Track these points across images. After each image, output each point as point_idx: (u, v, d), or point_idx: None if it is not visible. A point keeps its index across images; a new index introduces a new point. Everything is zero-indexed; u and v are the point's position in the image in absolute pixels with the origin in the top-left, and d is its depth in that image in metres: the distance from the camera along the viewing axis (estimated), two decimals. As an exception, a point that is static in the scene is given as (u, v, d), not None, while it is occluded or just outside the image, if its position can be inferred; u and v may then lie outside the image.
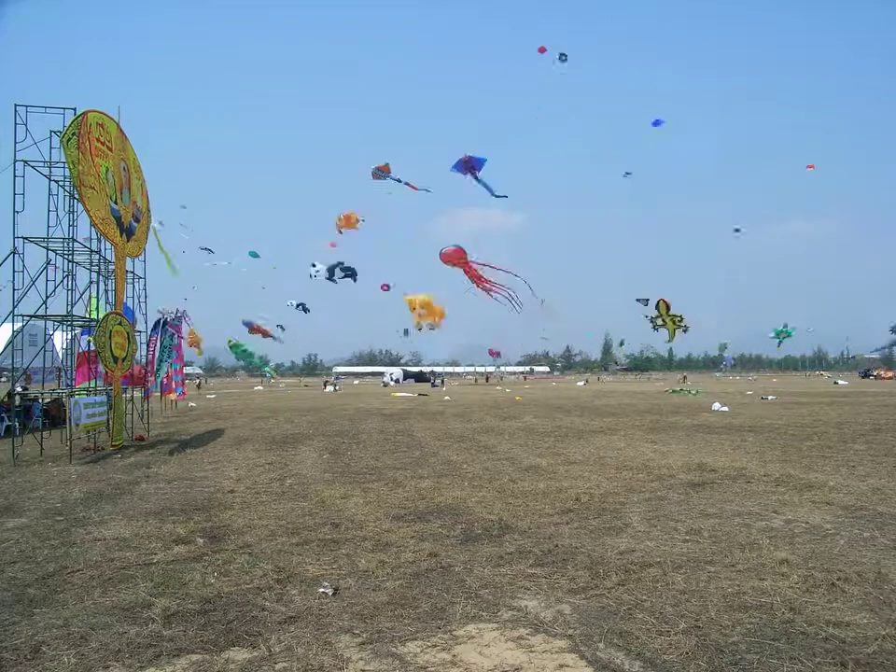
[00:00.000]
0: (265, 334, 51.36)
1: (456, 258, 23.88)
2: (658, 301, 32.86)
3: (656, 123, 28.51)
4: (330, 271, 37.69)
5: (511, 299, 24.17)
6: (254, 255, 42.24)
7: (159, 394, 31.11)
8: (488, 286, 24.13)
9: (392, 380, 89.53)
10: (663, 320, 32.93)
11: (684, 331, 33.43)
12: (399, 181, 28.92)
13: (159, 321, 28.53)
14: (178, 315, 32.09)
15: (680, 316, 32.78)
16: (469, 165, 22.11)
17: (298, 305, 48.95)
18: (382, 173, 29.29)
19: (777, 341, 45.05)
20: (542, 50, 27.71)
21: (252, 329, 50.46)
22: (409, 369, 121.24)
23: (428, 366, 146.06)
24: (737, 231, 43.19)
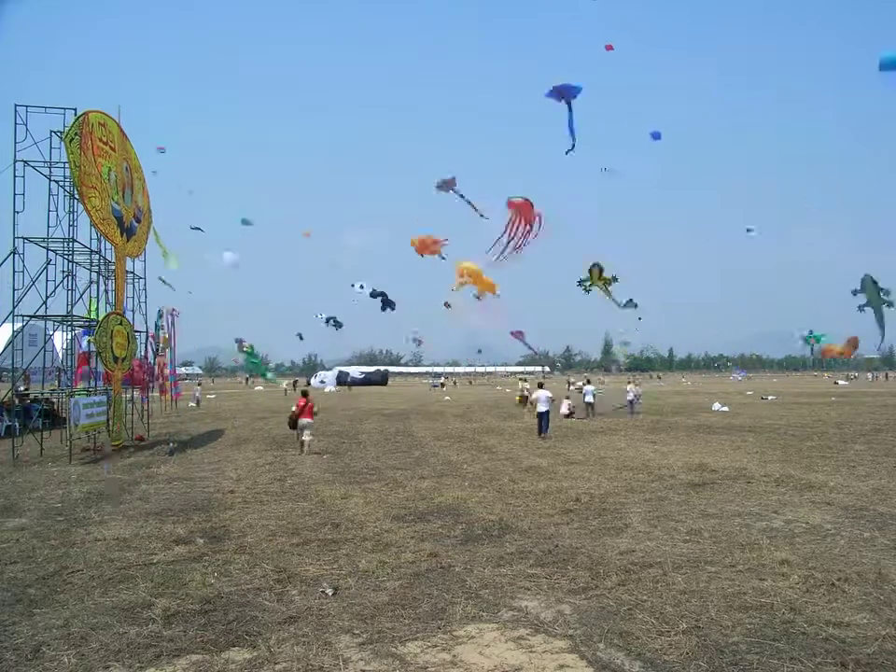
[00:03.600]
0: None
1: (525, 208, 23.54)
2: (591, 268, 31.96)
3: (655, 136, 28.65)
4: (373, 295, 39.33)
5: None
6: (246, 222, 41.41)
7: (158, 393, 31.11)
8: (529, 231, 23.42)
9: (327, 385, 65.41)
10: (593, 284, 32.10)
11: (614, 281, 32.34)
12: (463, 197, 29.47)
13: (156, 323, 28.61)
14: (169, 315, 32.07)
15: (606, 276, 31.83)
16: (562, 94, 21.09)
17: (328, 319, 47.89)
18: (447, 186, 29.69)
19: (810, 347, 44.47)
20: (609, 48, 28.02)
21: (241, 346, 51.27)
22: (364, 368, 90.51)
23: (428, 366, 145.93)
24: (750, 230, 43.19)
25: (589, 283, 31.86)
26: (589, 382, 27.44)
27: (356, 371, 78.04)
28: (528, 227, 22.81)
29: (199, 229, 38.28)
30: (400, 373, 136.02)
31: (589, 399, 24.37)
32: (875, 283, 34.12)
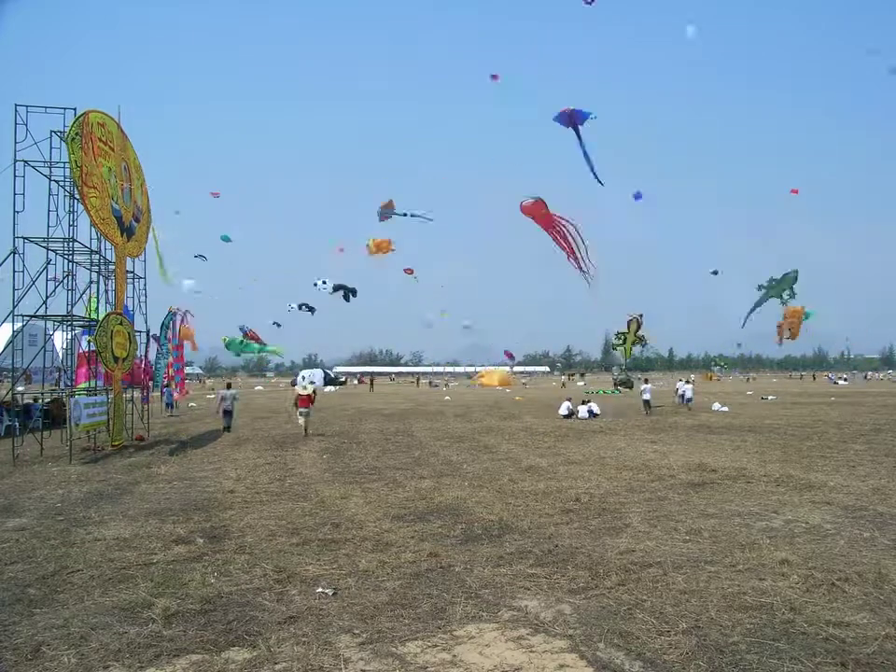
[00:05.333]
0: (258, 341, 52.28)
1: (537, 210, 23.04)
2: (630, 321, 34.09)
3: (637, 197, 29.52)
4: (336, 288, 41.56)
5: (580, 258, 23.35)
6: (226, 239, 42.50)
7: (158, 394, 31.14)
8: (561, 237, 23.20)
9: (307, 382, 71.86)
10: (624, 339, 34.40)
11: (642, 347, 35.33)
12: (406, 214, 30.92)
13: (163, 323, 28.78)
14: (178, 313, 32.20)
15: (641, 336, 34.16)
16: (572, 119, 20.92)
17: (301, 306, 49.92)
18: (388, 211, 31.18)
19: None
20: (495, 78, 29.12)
21: (247, 335, 51.43)
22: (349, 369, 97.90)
23: (428, 366, 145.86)
24: (715, 273, 44.07)
25: (622, 343, 33.66)
26: (689, 381, 30.93)
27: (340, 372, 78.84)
28: (557, 230, 22.76)
29: (202, 257, 39.13)
30: (398, 374, 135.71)
31: (689, 395, 28.09)
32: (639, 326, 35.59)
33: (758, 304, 35.89)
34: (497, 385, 68.09)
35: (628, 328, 35.24)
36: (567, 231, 22.96)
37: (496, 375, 72.54)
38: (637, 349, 36.32)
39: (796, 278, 35.25)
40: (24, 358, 16.65)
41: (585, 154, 20.86)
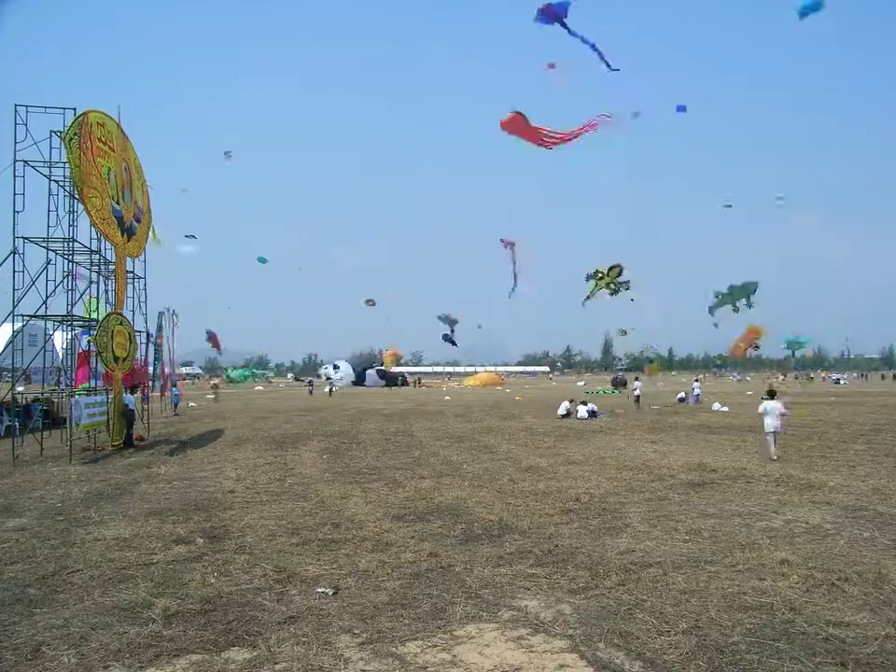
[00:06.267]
0: (216, 347, 54.64)
1: (517, 125, 21.27)
2: (612, 267, 31.57)
3: (680, 109, 27.98)
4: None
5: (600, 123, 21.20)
6: (262, 260, 43.85)
7: (158, 394, 31.17)
8: (563, 138, 21.38)
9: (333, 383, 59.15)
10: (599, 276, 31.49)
11: (620, 290, 31.83)
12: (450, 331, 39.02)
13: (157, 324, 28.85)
14: (164, 314, 32.31)
15: (618, 272, 31.18)
16: (554, 13, 18.80)
17: (335, 367, 57.35)
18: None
19: (791, 351, 46.58)
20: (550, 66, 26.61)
21: (211, 339, 53.35)
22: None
23: (429, 366, 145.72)
24: (780, 199, 45.11)
25: (599, 279, 31.83)
26: (697, 380, 36.77)
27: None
28: (547, 139, 20.93)
29: (193, 237, 39.84)
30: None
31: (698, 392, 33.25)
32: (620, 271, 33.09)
33: (712, 309, 36.07)
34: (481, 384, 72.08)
35: (608, 272, 32.46)
36: (555, 136, 21.30)
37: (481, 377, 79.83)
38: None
39: (755, 290, 35.11)
40: (24, 358, 16.64)
41: (586, 43, 18.57)
